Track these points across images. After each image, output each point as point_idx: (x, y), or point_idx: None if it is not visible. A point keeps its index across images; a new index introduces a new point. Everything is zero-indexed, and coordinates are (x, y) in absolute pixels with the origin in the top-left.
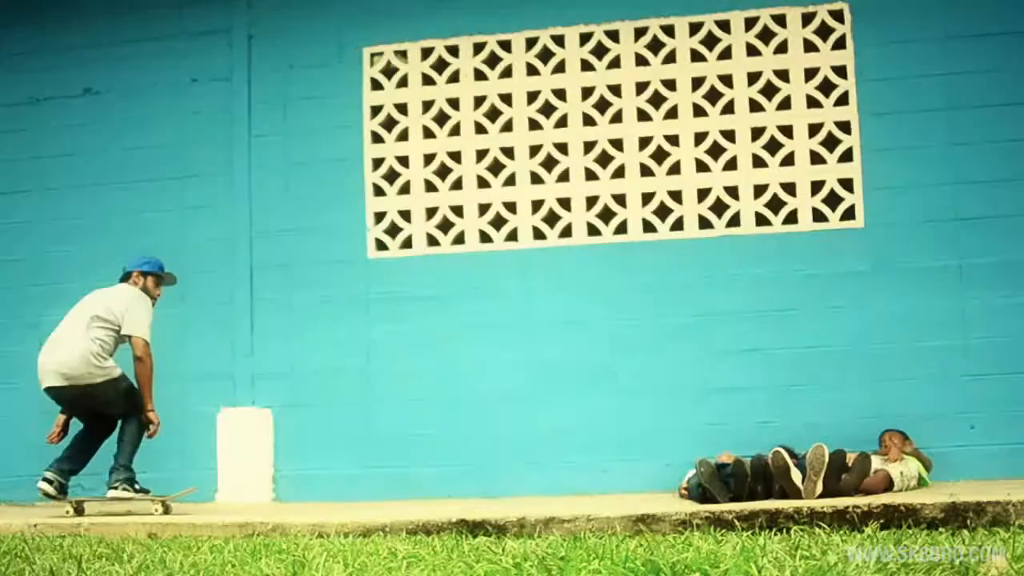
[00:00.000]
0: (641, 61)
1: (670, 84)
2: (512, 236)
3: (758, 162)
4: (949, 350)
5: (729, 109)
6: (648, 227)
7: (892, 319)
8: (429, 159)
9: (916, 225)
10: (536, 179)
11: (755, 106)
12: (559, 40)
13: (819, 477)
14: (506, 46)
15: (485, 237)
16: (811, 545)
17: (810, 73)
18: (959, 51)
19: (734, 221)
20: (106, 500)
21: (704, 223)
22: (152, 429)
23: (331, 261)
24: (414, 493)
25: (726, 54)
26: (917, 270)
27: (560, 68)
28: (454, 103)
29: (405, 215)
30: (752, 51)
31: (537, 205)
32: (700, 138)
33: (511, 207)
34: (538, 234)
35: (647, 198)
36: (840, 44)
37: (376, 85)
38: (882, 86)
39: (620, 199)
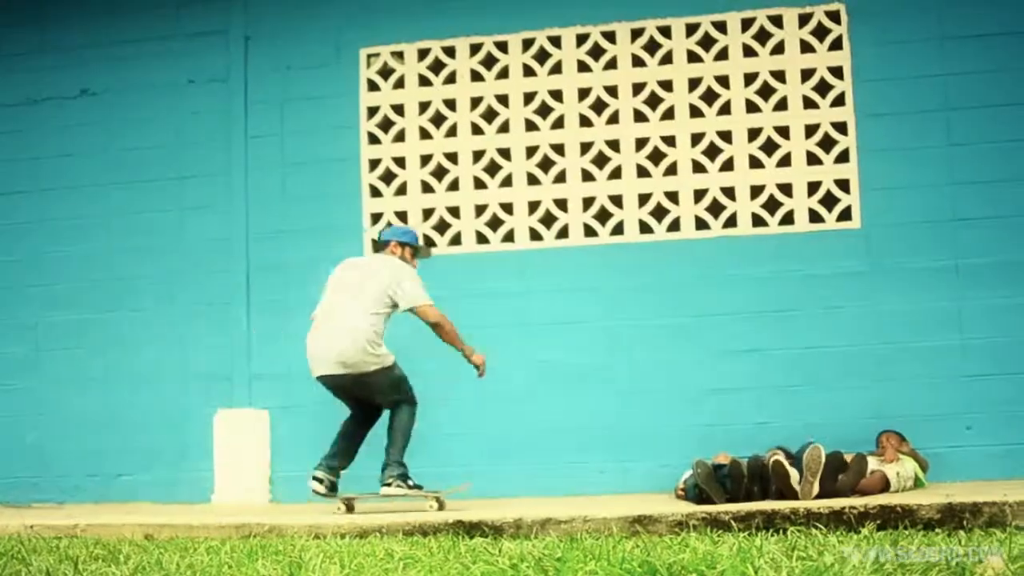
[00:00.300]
0: (637, 62)
1: (666, 85)
2: (509, 237)
3: (755, 163)
4: (946, 350)
5: (726, 110)
6: (645, 228)
7: (889, 319)
8: (426, 160)
9: (913, 226)
10: (533, 180)
11: (752, 107)
12: (556, 41)
13: (816, 478)
14: (503, 47)
15: (482, 238)
16: (808, 546)
17: (807, 74)
18: (956, 52)
19: (731, 222)
20: (380, 496)
21: (701, 224)
22: (482, 370)
23: (328, 262)
24: None
25: (723, 55)
26: (914, 271)
27: (557, 69)
28: (451, 104)
29: (401, 216)
30: (749, 52)
31: (534, 206)
32: (697, 139)
33: (508, 208)
34: (535, 235)
35: (644, 199)
36: (837, 45)
37: (373, 86)
38: (879, 87)
39: (617, 200)
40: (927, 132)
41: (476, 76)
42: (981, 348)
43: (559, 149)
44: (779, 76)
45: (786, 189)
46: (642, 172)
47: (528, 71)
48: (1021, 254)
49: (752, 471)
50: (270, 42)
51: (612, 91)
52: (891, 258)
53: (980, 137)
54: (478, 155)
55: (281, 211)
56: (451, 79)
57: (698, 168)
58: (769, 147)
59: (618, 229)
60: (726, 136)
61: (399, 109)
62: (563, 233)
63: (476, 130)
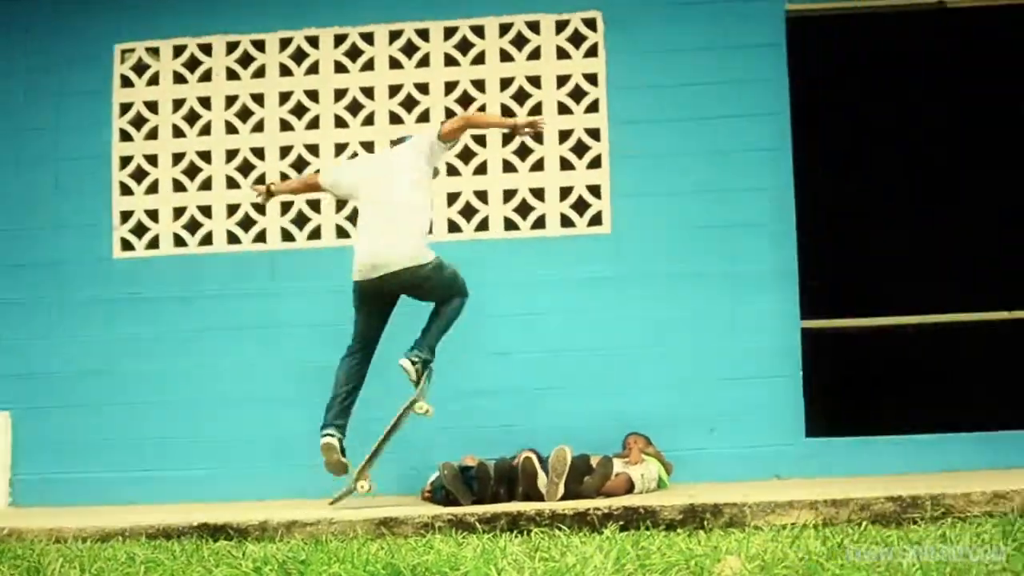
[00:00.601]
0: (395, 64)
1: (423, 88)
2: (261, 237)
3: (508, 167)
4: (689, 355)
5: None
6: None
7: (636, 324)
8: (178, 158)
9: (660, 231)
10: (286, 180)
11: (507, 111)
12: (313, 41)
13: (561, 480)
14: (260, 46)
15: (233, 238)
16: (551, 547)
17: (562, 80)
18: (707, 62)
19: (483, 225)
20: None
21: (453, 227)
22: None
23: (75, 260)
24: (157, 497)
25: (480, 59)
26: (661, 276)
27: (314, 69)
28: (205, 102)
29: (152, 215)
30: (506, 57)
31: (286, 206)
32: None
33: (260, 208)
34: (286, 235)
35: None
36: (592, 52)
37: (127, 82)
38: (632, 94)
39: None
40: (678, 140)
41: (232, 74)
42: (722, 353)
43: (313, 150)
44: (535, 81)
45: (538, 193)
46: None
47: (285, 71)
48: (763, 261)
49: (499, 473)
50: (22, 36)
51: (369, 93)
52: (639, 263)
53: (729, 146)
54: (232, 154)
55: (26, 208)
56: (206, 77)
57: (452, 171)
58: (523, 151)
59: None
60: (479, 140)
61: (153, 106)
62: (315, 234)
63: (231, 129)
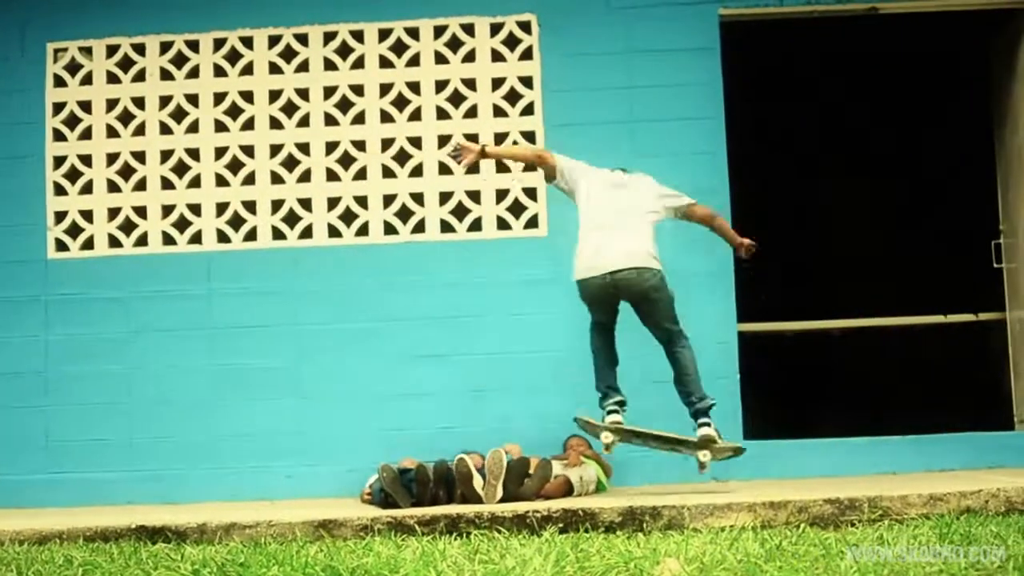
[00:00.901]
0: (330, 65)
1: (358, 90)
2: (196, 238)
3: (444, 169)
4: (627, 357)
5: (416, 116)
6: (334, 232)
7: (573, 326)
8: (112, 159)
9: None
10: (222, 181)
11: (442, 114)
12: (248, 42)
13: (499, 482)
14: (194, 46)
15: (168, 239)
16: (490, 549)
17: (497, 83)
18: (641, 65)
19: (419, 228)
20: (697, 437)
21: (389, 229)
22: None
23: (8, 261)
24: (94, 500)
25: (415, 61)
26: None
27: (248, 70)
28: (139, 102)
29: (87, 215)
30: (441, 59)
31: (222, 208)
32: (388, 144)
33: (196, 209)
34: (222, 237)
35: (333, 203)
36: (527, 55)
37: (59, 81)
38: (566, 97)
39: (306, 203)
40: (613, 143)
41: (166, 75)
42: (661, 355)
43: (248, 151)
44: (470, 84)
45: (475, 196)
46: (332, 176)
47: (219, 71)
48: (699, 264)
49: (438, 475)
50: None
51: (303, 94)
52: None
53: (663, 149)
54: (166, 155)
55: None
56: (140, 77)
57: (388, 174)
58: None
59: (307, 233)
60: (416, 142)
61: (86, 106)
62: (251, 235)
63: (165, 129)
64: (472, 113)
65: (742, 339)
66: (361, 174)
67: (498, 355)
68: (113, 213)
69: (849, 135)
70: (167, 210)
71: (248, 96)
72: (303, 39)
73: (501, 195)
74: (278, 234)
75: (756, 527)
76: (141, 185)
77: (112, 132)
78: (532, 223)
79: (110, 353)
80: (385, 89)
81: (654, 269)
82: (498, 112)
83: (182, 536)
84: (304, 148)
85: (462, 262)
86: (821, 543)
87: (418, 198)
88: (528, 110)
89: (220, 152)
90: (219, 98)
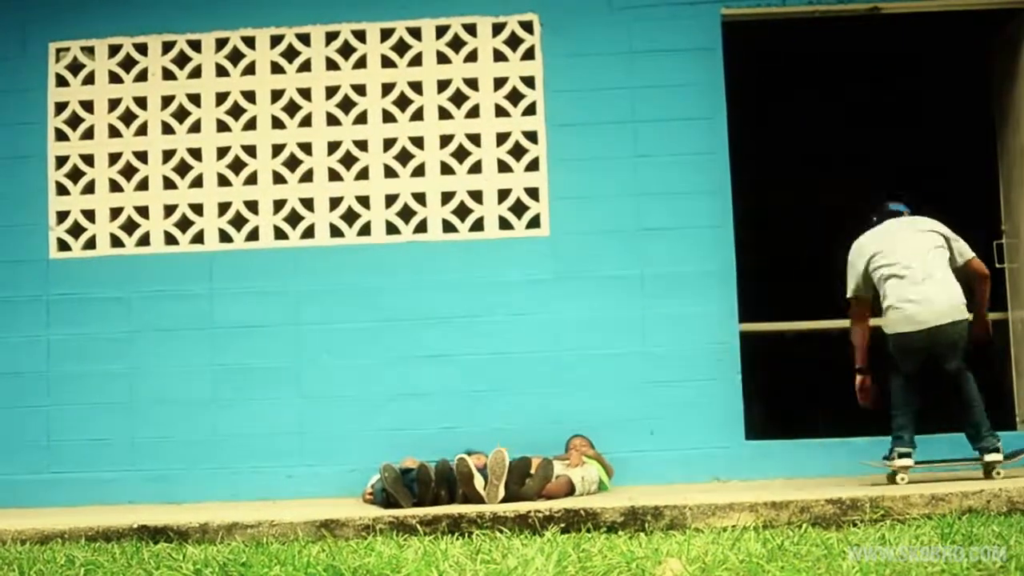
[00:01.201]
0: (332, 65)
1: (360, 89)
2: (198, 238)
3: (446, 169)
4: (629, 357)
5: (419, 116)
6: (336, 232)
7: (575, 326)
8: (114, 158)
9: (600, 235)
10: (224, 181)
11: (444, 114)
12: (250, 42)
13: (500, 482)
14: (196, 46)
15: (171, 239)
16: (492, 549)
17: (499, 82)
18: (642, 65)
19: (421, 227)
20: (983, 462)
21: (392, 229)
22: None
23: (9, 261)
24: (96, 499)
25: (417, 61)
26: (599, 278)
27: (251, 70)
28: (141, 102)
29: (89, 215)
30: (443, 59)
31: (224, 207)
32: (389, 144)
33: (198, 209)
34: (224, 237)
35: (335, 203)
36: (529, 55)
37: (62, 81)
38: (569, 97)
39: (308, 203)
40: (615, 143)
41: (168, 74)
42: (662, 355)
43: (251, 150)
44: (472, 84)
45: (477, 196)
46: (334, 176)
47: (221, 71)
48: (701, 264)
49: (440, 475)
50: None
51: (305, 94)
52: (578, 266)
53: (665, 149)
54: (168, 154)
55: None
56: (142, 76)
57: (390, 173)
58: (460, 154)
59: (308, 233)
60: (418, 142)
61: (88, 106)
62: (253, 235)
63: (167, 129)
64: (474, 113)
65: (743, 339)
66: (363, 174)
67: (500, 355)
68: (115, 213)
69: (849, 135)
70: (169, 210)
71: (250, 96)
72: (305, 39)
73: (503, 195)
74: (280, 234)
75: (758, 527)
76: (143, 185)
77: (114, 132)
78: (534, 223)
79: (112, 353)
80: (387, 89)
81: (962, 319)
82: (500, 112)
83: (184, 536)
84: (306, 148)
85: (464, 262)
86: (823, 543)
87: (420, 198)
88: (530, 110)
89: (222, 152)
90: (221, 98)
